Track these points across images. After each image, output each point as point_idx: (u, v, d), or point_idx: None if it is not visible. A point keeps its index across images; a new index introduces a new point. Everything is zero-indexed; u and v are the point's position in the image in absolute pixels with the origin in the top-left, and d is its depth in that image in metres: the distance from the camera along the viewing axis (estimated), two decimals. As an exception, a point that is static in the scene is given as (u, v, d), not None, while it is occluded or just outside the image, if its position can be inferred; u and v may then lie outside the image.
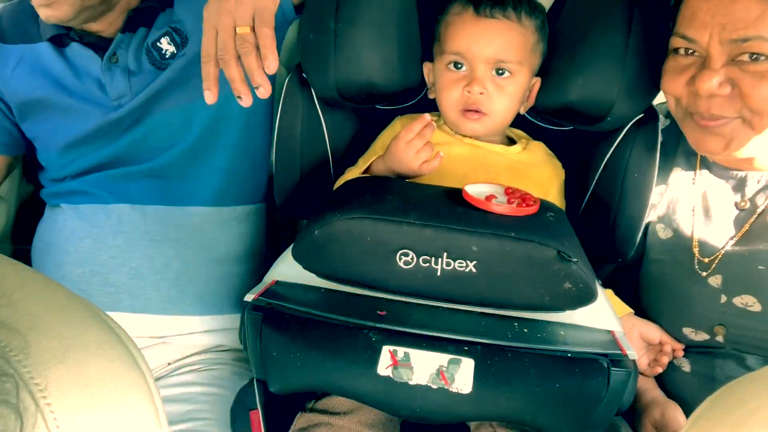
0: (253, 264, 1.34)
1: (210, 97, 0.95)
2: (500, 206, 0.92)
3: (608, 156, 1.14)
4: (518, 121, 1.23)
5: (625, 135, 1.12)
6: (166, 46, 1.24)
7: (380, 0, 1.11)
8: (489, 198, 0.95)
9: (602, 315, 0.96)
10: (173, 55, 1.23)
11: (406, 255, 0.89)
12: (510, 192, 0.99)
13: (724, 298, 1.07)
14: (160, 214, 1.25)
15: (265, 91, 0.93)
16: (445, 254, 0.88)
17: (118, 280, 1.23)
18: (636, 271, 1.22)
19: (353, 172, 1.13)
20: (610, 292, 1.18)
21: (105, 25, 1.24)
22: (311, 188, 1.20)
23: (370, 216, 0.89)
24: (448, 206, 0.92)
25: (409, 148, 1.03)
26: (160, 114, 1.23)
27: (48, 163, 1.32)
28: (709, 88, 0.94)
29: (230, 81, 0.94)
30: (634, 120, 1.12)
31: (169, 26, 1.24)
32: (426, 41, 1.18)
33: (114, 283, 1.24)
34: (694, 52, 0.97)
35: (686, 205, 1.14)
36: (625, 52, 1.06)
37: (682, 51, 0.99)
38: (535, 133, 1.23)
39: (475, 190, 0.97)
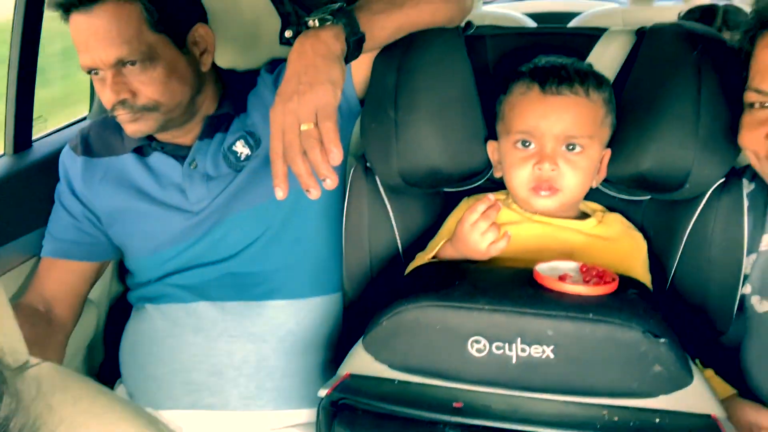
0: (330, 354, 1.33)
1: (280, 193, 0.98)
2: (575, 286, 0.88)
3: (692, 225, 1.08)
4: (593, 194, 1.18)
5: (707, 202, 1.06)
6: (241, 149, 1.29)
7: (438, 85, 1.12)
8: (563, 277, 0.90)
9: (701, 398, 0.87)
10: (248, 157, 1.28)
11: (478, 342, 0.85)
12: (585, 270, 0.94)
13: None
14: (238, 310, 1.27)
15: (332, 183, 0.96)
16: (519, 340, 0.84)
17: (198, 378, 1.25)
18: (739, 347, 1.12)
19: (423, 258, 1.11)
20: (710, 371, 1.08)
21: (184, 134, 1.31)
22: (382, 277, 1.18)
23: (438, 303, 0.87)
24: (519, 288, 0.89)
25: (474, 230, 1.01)
26: (238, 213, 1.27)
27: (134, 268, 1.37)
28: None
29: (297, 176, 0.97)
30: (715, 185, 1.06)
31: (244, 130, 1.30)
32: (488, 120, 1.17)
33: (195, 381, 1.25)
34: None
35: None
36: (696, 114, 1.01)
37: (757, 105, 0.93)
38: (612, 205, 1.18)
39: (548, 270, 0.93)
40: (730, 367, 1.12)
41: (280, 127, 0.98)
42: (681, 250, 1.09)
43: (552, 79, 1.06)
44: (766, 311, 1.06)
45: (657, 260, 1.13)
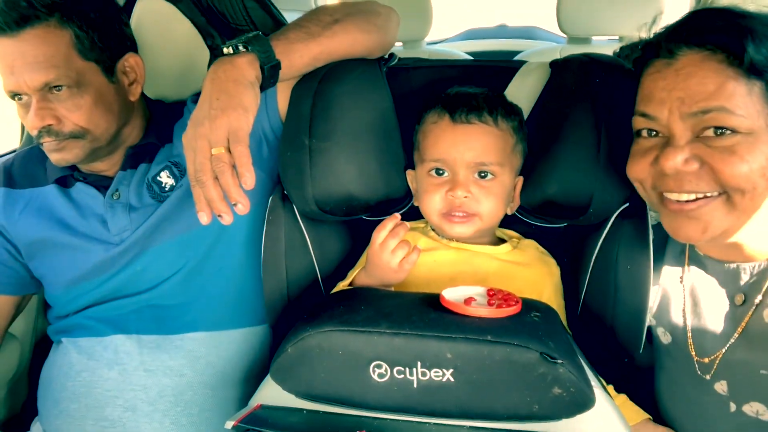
0: (252, 388, 1.30)
1: (204, 218, 0.97)
2: (478, 308, 0.88)
3: (597, 249, 1.09)
4: (512, 222, 1.20)
5: (612, 226, 1.08)
6: (165, 179, 1.27)
7: (354, 114, 1.13)
8: (468, 301, 0.90)
9: (605, 421, 0.88)
10: (172, 188, 1.27)
11: (380, 367, 0.85)
12: (492, 293, 0.95)
13: (733, 407, 0.98)
14: (155, 343, 1.24)
15: (243, 208, 0.96)
16: (419, 363, 0.83)
17: (112, 414, 1.21)
18: (651, 374, 1.13)
19: (342, 285, 1.11)
20: (623, 397, 1.09)
21: (108, 165, 1.30)
22: (301, 306, 1.17)
23: (340, 328, 0.86)
24: (423, 312, 0.88)
25: (383, 249, 1.01)
26: (160, 245, 1.25)
27: (54, 301, 1.34)
28: (673, 165, 0.90)
29: (209, 201, 0.96)
30: (619, 210, 1.08)
31: (168, 160, 1.29)
32: (408, 150, 1.19)
33: (108, 417, 1.21)
34: (657, 133, 0.94)
35: (677, 305, 1.07)
36: (597, 140, 1.04)
37: (645, 133, 0.96)
38: (529, 233, 1.20)
39: (454, 294, 0.93)
40: (644, 391, 1.13)
41: (192, 151, 0.98)
42: (589, 274, 1.11)
43: (462, 109, 1.09)
44: (669, 342, 1.08)
45: (571, 285, 1.15)
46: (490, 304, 0.91)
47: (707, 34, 0.87)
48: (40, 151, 1.35)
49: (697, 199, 0.90)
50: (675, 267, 1.08)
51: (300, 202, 1.14)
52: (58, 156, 1.20)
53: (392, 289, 1.06)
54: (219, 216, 0.97)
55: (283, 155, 1.14)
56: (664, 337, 1.09)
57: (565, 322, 1.10)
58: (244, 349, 1.31)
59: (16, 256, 1.33)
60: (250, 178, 0.95)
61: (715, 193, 0.90)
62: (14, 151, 1.70)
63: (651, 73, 0.93)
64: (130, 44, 1.29)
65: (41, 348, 1.52)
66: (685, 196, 0.91)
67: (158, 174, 1.28)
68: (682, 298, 1.06)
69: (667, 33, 0.92)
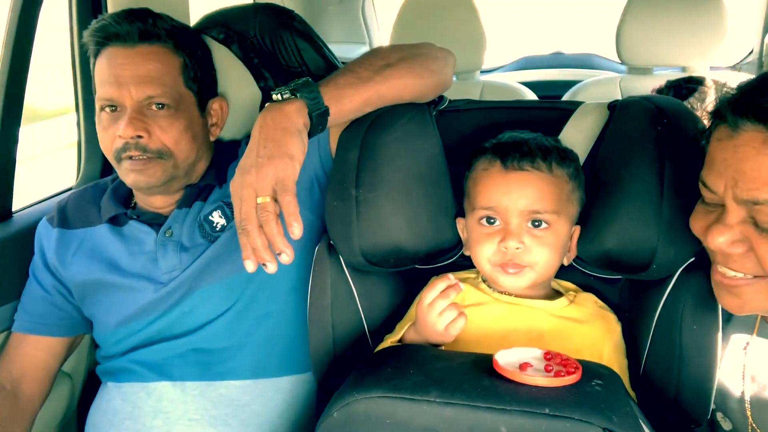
0: (299, 439, 1.27)
1: (250, 266, 0.96)
2: (534, 376, 0.83)
3: (660, 307, 1.03)
4: (569, 272, 1.14)
5: (675, 283, 1.02)
6: (217, 219, 1.28)
7: (402, 162, 1.10)
8: (523, 366, 0.86)
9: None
10: (223, 228, 1.26)
11: (429, 438, 0.80)
12: (549, 357, 0.89)
13: None
14: (200, 390, 1.23)
15: (287, 258, 0.95)
16: (471, 436, 0.79)
17: (157, 464, 1.20)
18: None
19: (391, 340, 1.07)
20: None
21: (166, 202, 1.31)
22: (347, 359, 1.14)
23: (387, 395, 0.82)
24: (475, 379, 0.84)
25: (431, 309, 0.97)
26: (207, 286, 1.25)
27: (101, 341, 1.34)
28: (718, 245, 0.84)
29: (253, 249, 0.95)
30: (684, 266, 1.02)
31: (221, 201, 1.29)
32: (460, 196, 1.15)
33: (153, 467, 1.20)
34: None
35: (736, 382, 0.99)
36: (660, 194, 0.98)
37: (708, 197, 0.89)
38: (588, 284, 1.14)
39: (508, 358, 0.88)
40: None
41: (239, 200, 0.98)
42: (651, 332, 1.04)
43: (513, 155, 1.04)
44: (731, 429, 1.00)
45: (633, 344, 1.08)
46: (547, 370, 0.86)
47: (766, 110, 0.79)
48: (94, 190, 1.38)
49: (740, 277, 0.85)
50: (743, 333, 1.00)
51: (346, 253, 1.11)
52: (139, 177, 1.22)
53: (442, 347, 1.02)
54: (263, 265, 0.96)
55: (330, 206, 1.12)
56: (724, 423, 1.01)
57: (627, 384, 1.04)
58: (291, 398, 1.28)
59: (69, 297, 1.34)
60: (297, 228, 0.94)
61: (760, 275, 0.84)
62: (70, 189, 1.74)
63: (716, 139, 0.86)
64: (215, 88, 1.37)
65: (92, 384, 1.53)
66: (729, 272, 0.86)
67: (210, 213, 1.28)
68: (741, 373, 0.98)
69: (734, 100, 0.83)
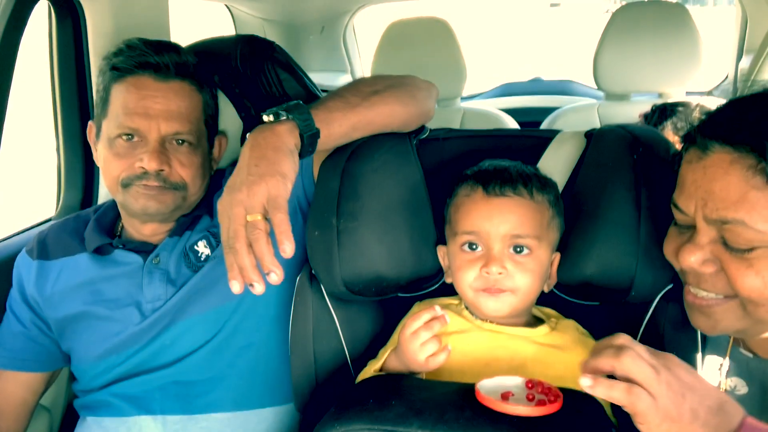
0: (286, 472, 1.26)
1: (236, 286, 0.93)
2: (516, 406, 0.83)
3: (641, 333, 1.04)
4: (549, 299, 1.15)
5: (655, 309, 1.03)
6: (202, 249, 1.27)
7: (382, 191, 1.11)
8: (505, 395, 0.85)
9: None
10: (207, 258, 1.26)
11: (411, 469, 0.79)
12: (531, 386, 0.89)
13: None
14: (181, 425, 1.21)
15: (276, 278, 0.92)
16: (453, 467, 0.78)
17: (138, 501, 1.17)
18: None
19: (374, 368, 1.07)
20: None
21: (156, 231, 1.30)
22: (330, 389, 1.13)
23: (369, 427, 0.82)
24: (457, 409, 0.84)
25: (414, 339, 0.97)
26: (189, 318, 1.24)
27: (80, 374, 1.32)
28: (689, 264, 0.86)
29: (241, 269, 0.93)
30: (663, 292, 1.03)
31: (207, 230, 1.29)
32: (440, 224, 1.15)
33: (134, 504, 1.17)
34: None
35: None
36: (637, 221, 0.99)
37: (680, 219, 0.91)
38: (570, 309, 1.14)
39: (490, 387, 0.88)
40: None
41: (227, 218, 0.96)
42: (633, 360, 1.04)
43: (495, 181, 1.05)
44: None
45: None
46: (529, 399, 0.86)
47: (737, 132, 0.81)
48: (76, 221, 1.37)
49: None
50: (717, 355, 1.00)
51: (328, 283, 1.11)
52: (150, 203, 1.22)
53: (423, 375, 1.01)
54: (250, 285, 0.93)
55: (311, 235, 1.12)
56: None
57: (609, 410, 1.04)
58: (274, 429, 1.27)
59: (47, 331, 1.32)
60: (289, 247, 0.91)
61: (731, 295, 0.85)
62: (49, 220, 1.72)
63: (686, 161, 0.88)
64: (217, 126, 1.40)
65: (70, 418, 1.50)
66: (701, 293, 0.88)
67: (196, 243, 1.28)
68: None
69: (702, 124, 0.86)
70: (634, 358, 0.76)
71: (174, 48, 1.27)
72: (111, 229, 1.35)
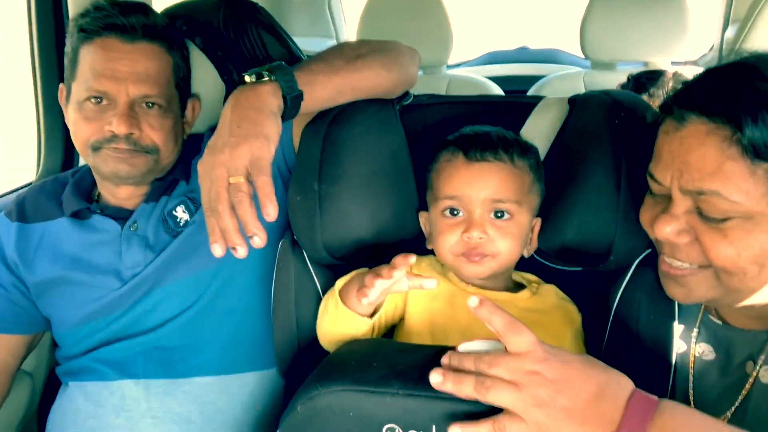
0: (267, 433, 1.27)
1: (218, 249, 0.91)
2: None
3: (618, 298, 1.05)
4: (531, 264, 1.16)
5: (633, 274, 1.04)
6: (180, 214, 1.26)
7: (364, 157, 1.10)
8: None
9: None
10: (186, 223, 1.25)
11: (393, 430, 0.81)
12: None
13: None
14: (163, 388, 1.22)
15: (260, 241, 0.90)
16: (434, 427, 0.79)
17: (119, 462, 1.18)
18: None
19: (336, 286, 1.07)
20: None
21: (131, 195, 1.29)
22: (312, 354, 1.13)
23: (351, 388, 0.82)
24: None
25: (372, 280, 0.96)
26: (171, 284, 1.23)
27: (61, 340, 1.32)
28: (665, 235, 0.86)
29: (223, 232, 0.91)
30: (641, 257, 1.04)
31: (186, 195, 1.28)
32: (422, 191, 1.15)
33: (116, 465, 1.18)
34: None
35: (683, 372, 1.00)
36: (617, 186, 1.00)
37: (653, 189, 0.91)
38: (549, 275, 1.15)
39: (470, 349, 0.88)
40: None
41: (208, 180, 0.94)
42: (610, 323, 1.06)
43: (476, 147, 1.05)
44: None
45: (593, 333, 1.10)
46: None
47: (713, 102, 0.81)
48: (54, 184, 1.35)
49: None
50: (689, 326, 1.02)
51: (310, 248, 1.11)
52: (121, 166, 1.21)
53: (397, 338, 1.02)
54: (233, 249, 0.91)
55: (292, 200, 1.11)
56: None
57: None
58: (257, 394, 1.28)
59: (27, 294, 1.31)
60: (273, 209, 0.89)
61: (705, 265, 0.86)
62: (29, 184, 1.70)
63: (663, 132, 0.88)
64: (189, 88, 1.37)
65: (53, 385, 1.50)
66: (676, 263, 0.88)
67: (174, 208, 1.27)
68: (690, 364, 1.00)
69: (679, 94, 0.86)
70: (494, 390, 0.75)
71: (142, 9, 1.24)
72: (89, 193, 1.33)
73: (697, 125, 0.81)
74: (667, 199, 0.88)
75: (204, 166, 0.95)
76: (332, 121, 1.12)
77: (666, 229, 0.86)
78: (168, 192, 1.29)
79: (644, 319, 1.00)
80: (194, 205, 1.27)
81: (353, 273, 1.06)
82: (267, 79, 1.02)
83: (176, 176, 1.30)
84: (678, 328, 1.01)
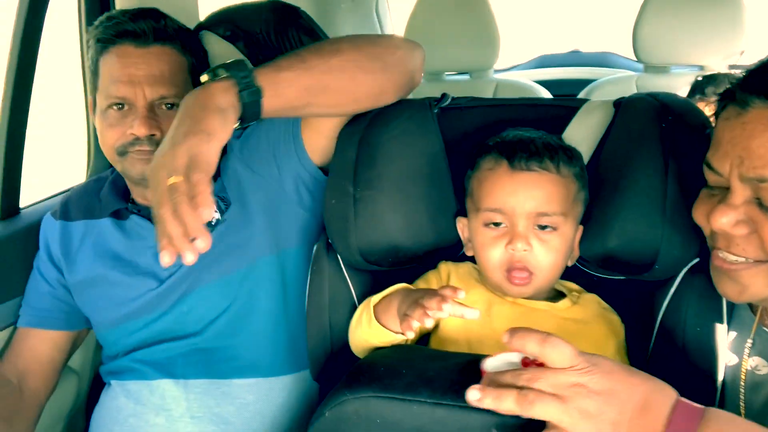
0: (305, 436, 1.26)
1: (165, 258, 0.84)
2: None
3: (664, 309, 1.00)
4: (573, 272, 1.12)
5: (680, 284, 0.99)
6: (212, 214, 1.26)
7: (400, 160, 1.09)
8: None
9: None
10: (217, 222, 1.25)
11: (420, 439, 0.79)
12: (538, 364, 0.87)
13: None
14: (203, 389, 1.22)
15: (202, 244, 0.84)
16: (463, 438, 0.77)
17: (158, 460, 1.20)
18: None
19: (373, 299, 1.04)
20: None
21: None
22: (344, 358, 1.12)
23: (378, 394, 0.81)
24: (469, 380, 0.82)
25: (414, 308, 0.92)
26: (205, 285, 1.24)
27: (103, 340, 1.35)
28: (721, 225, 0.82)
29: (168, 237, 0.85)
30: (689, 266, 0.99)
31: (217, 195, 1.27)
32: (460, 194, 1.13)
33: (154, 464, 1.20)
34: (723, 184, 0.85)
35: (734, 389, 0.95)
36: (663, 191, 0.96)
37: (712, 180, 0.87)
38: (591, 284, 1.11)
39: (497, 363, 0.86)
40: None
41: (155, 184, 0.89)
42: (655, 333, 1.02)
43: (521, 154, 1.02)
44: None
45: (637, 345, 1.05)
46: None
47: None
48: (96, 183, 1.39)
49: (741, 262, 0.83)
50: (742, 332, 0.97)
51: (344, 252, 1.10)
52: (145, 167, 1.21)
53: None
54: (182, 255, 0.85)
55: (328, 204, 1.11)
56: None
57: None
58: (296, 395, 1.28)
59: (69, 290, 1.34)
60: (206, 211, 0.84)
61: (762, 259, 0.81)
62: (80, 185, 1.75)
63: (723, 119, 0.84)
64: None
65: (99, 383, 1.54)
66: (730, 257, 0.84)
67: None
68: (741, 378, 0.95)
69: (743, 79, 0.82)
70: (538, 403, 0.71)
71: (152, 14, 1.26)
72: (126, 192, 1.35)
73: (762, 110, 0.78)
74: (725, 191, 0.84)
75: (150, 171, 0.91)
76: (368, 124, 1.11)
77: (722, 219, 0.82)
78: None
79: (691, 330, 0.96)
80: (224, 204, 1.27)
81: (391, 290, 1.03)
82: (222, 77, 0.97)
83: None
84: (729, 336, 0.96)
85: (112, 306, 1.28)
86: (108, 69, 1.23)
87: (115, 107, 1.22)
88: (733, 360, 0.95)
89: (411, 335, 0.95)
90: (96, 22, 1.27)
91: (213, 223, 1.26)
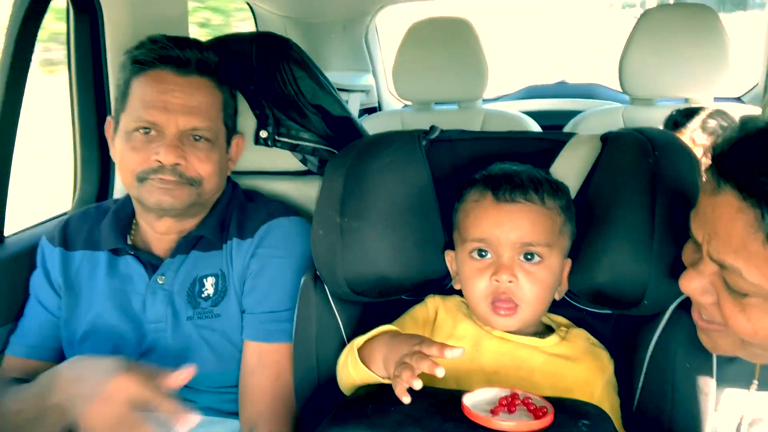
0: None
1: None
2: (507, 423, 0.80)
3: (654, 343, 1.00)
4: (561, 306, 1.12)
5: (669, 319, 0.99)
6: (208, 287, 1.25)
7: (388, 191, 1.09)
8: (496, 410, 0.83)
9: None
10: (208, 298, 1.24)
11: (408, 478, 0.77)
12: (527, 401, 0.86)
13: None
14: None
15: None
16: (450, 477, 0.76)
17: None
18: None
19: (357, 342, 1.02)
20: None
21: (171, 227, 1.28)
22: (331, 392, 1.10)
23: (363, 433, 0.79)
24: (456, 419, 0.81)
25: (398, 364, 0.89)
26: (191, 355, 1.22)
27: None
28: (688, 291, 0.83)
29: None
30: (678, 301, 0.99)
31: (220, 268, 1.26)
32: (448, 228, 1.13)
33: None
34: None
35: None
36: (651, 228, 0.95)
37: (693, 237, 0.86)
38: (579, 318, 1.11)
39: (477, 400, 0.85)
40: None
41: None
42: (644, 371, 1.01)
43: (505, 187, 1.02)
44: None
45: (626, 380, 1.05)
46: (510, 411, 0.84)
47: (745, 180, 0.74)
48: (96, 212, 1.36)
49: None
50: (742, 379, 0.96)
51: (331, 283, 1.09)
52: (164, 198, 1.20)
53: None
54: None
55: (315, 234, 1.10)
56: None
57: (618, 422, 1.00)
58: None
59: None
60: None
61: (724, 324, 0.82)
62: (64, 214, 1.73)
63: (703, 189, 0.82)
64: (236, 125, 1.38)
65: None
66: (704, 315, 0.85)
67: (206, 276, 1.25)
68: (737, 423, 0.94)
69: (719, 156, 0.79)
70: None
71: (196, 44, 1.26)
72: (128, 224, 1.33)
73: (731, 198, 0.75)
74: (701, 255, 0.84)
75: None
76: (356, 154, 1.11)
77: (691, 285, 0.83)
78: (203, 248, 1.27)
79: (681, 366, 0.95)
80: (224, 282, 1.25)
81: (375, 332, 1.01)
82: None
83: (206, 234, 1.27)
84: (727, 393, 0.96)
85: (94, 341, 1.26)
86: (141, 92, 1.21)
87: (142, 131, 1.20)
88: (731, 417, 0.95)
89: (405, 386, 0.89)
90: (136, 44, 1.26)
91: (203, 296, 1.25)
